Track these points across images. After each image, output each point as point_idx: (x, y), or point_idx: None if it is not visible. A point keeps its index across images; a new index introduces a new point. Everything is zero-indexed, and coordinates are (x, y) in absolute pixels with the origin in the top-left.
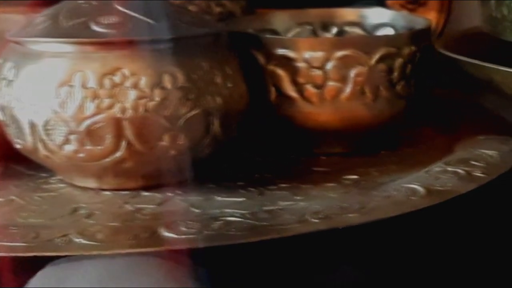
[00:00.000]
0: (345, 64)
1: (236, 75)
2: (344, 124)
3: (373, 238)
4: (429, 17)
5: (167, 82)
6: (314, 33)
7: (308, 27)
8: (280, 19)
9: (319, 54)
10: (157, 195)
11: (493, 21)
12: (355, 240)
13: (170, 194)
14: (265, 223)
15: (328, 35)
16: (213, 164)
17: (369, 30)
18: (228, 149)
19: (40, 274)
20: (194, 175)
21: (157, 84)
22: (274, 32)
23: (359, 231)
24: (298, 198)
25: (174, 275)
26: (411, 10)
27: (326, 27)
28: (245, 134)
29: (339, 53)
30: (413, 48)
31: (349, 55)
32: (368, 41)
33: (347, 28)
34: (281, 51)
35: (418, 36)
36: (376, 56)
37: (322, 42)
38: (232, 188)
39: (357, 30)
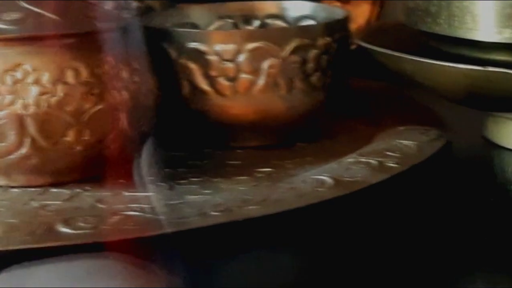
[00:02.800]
0: (257, 56)
1: (145, 70)
2: (258, 117)
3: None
4: (362, 9)
5: (70, 77)
6: (236, 27)
7: (230, 21)
8: (200, 13)
9: (230, 47)
10: (65, 191)
11: (408, 11)
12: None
13: (78, 190)
14: (163, 217)
15: (250, 28)
16: (125, 159)
17: (291, 23)
18: (140, 143)
19: None
20: (104, 171)
21: (60, 79)
22: (195, 26)
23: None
24: (207, 191)
25: (138, 279)
26: (345, 2)
27: (247, 20)
28: (159, 129)
29: (251, 45)
30: (328, 39)
31: (261, 47)
32: (280, 33)
33: (269, 21)
34: (192, 45)
35: (333, 27)
36: (289, 48)
37: (233, 34)
38: (142, 183)
39: (279, 23)
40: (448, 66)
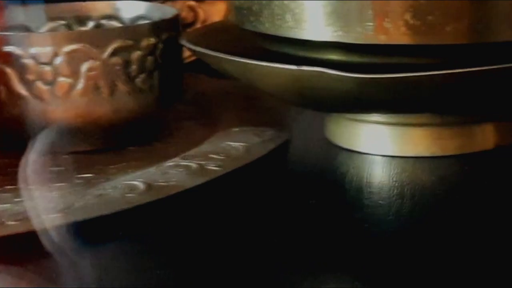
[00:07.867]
0: (75, 59)
1: None
2: (81, 121)
3: None
4: (217, 8)
5: None
6: (69, 28)
7: (62, 22)
8: (31, 15)
9: (47, 50)
10: None
11: (235, 10)
12: None
13: None
14: None
15: (84, 29)
16: None
17: (126, 23)
18: None
19: None
20: None
21: None
22: (27, 28)
23: None
24: (18, 200)
25: None
26: (200, 1)
27: (81, 21)
28: None
29: (68, 48)
30: (152, 40)
31: (79, 49)
32: (99, 34)
33: (104, 22)
34: (6, 48)
35: (158, 28)
36: (109, 50)
37: (48, 37)
38: None
39: (115, 23)
40: (264, 65)
